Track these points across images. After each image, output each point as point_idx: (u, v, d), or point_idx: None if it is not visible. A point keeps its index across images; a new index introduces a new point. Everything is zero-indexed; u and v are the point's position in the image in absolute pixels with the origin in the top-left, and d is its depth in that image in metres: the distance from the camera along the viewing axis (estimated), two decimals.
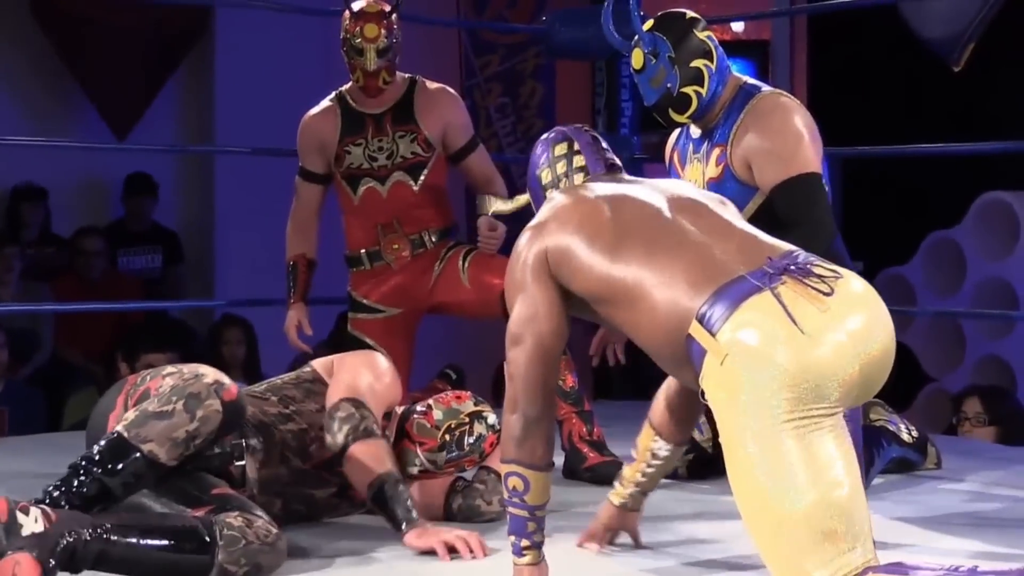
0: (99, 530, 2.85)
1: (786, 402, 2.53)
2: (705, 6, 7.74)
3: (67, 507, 2.94)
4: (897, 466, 4.20)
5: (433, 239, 4.41)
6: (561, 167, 3.13)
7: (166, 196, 7.65)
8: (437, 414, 3.59)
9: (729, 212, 2.92)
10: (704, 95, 3.67)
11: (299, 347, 4.57)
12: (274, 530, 3.05)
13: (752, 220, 3.15)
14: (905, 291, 7.33)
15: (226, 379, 3.18)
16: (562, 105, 8.40)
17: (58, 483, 3.00)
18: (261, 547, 2.98)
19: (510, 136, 8.47)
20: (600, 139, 3.18)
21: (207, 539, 2.93)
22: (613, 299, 2.79)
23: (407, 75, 4.46)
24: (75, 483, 2.99)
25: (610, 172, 3.11)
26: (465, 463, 3.60)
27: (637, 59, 3.72)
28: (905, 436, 4.21)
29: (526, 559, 2.89)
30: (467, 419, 3.59)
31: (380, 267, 4.43)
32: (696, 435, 4.06)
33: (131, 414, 3.10)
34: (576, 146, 3.14)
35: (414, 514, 3.27)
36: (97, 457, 3.02)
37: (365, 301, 4.44)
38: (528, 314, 2.86)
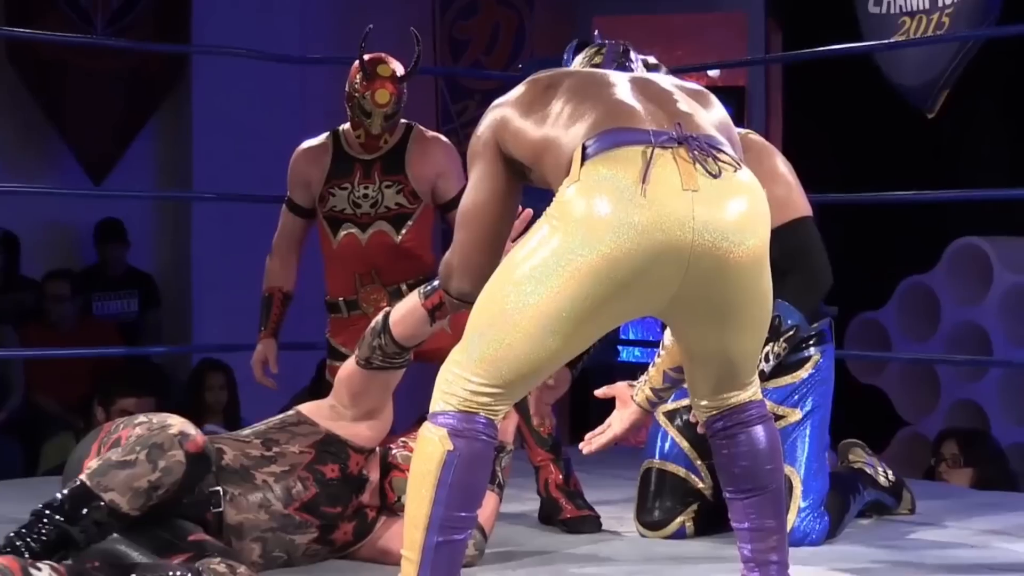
0: None
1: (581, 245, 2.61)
2: (681, 53, 7.82)
3: (27, 554, 2.93)
4: (871, 509, 4.21)
5: (410, 290, 4.37)
6: (582, 64, 3.20)
7: (143, 240, 7.65)
8: (415, 445, 3.64)
9: (686, 93, 2.90)
10: None
11: (264, 383, 4.56)
12: (256, 574, 3.06)
13: None
14: (879, 336, 7.36)
15: (192, 430, 3.18)
16: None
17: (21, 529, 2.99)
18: None
19: None
20: (631, 50, 3.23)
21: None
22: (535, 159, 2.83)
23: (403, 121, 4.47)
24: (36, 530, 2.98)
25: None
26: None
27: None
28: (882, 480, 4.23)
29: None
30: None
31: (357, 316, 4.43)
32: (699, 483, 3.97)
33: (94, 463, 3.11)
34: (604, 50, 3.22)
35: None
36: (58, 505, 3.02)
37: (343, 349, 4.44)
38: (481, 199, 2.92)
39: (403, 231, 4.42)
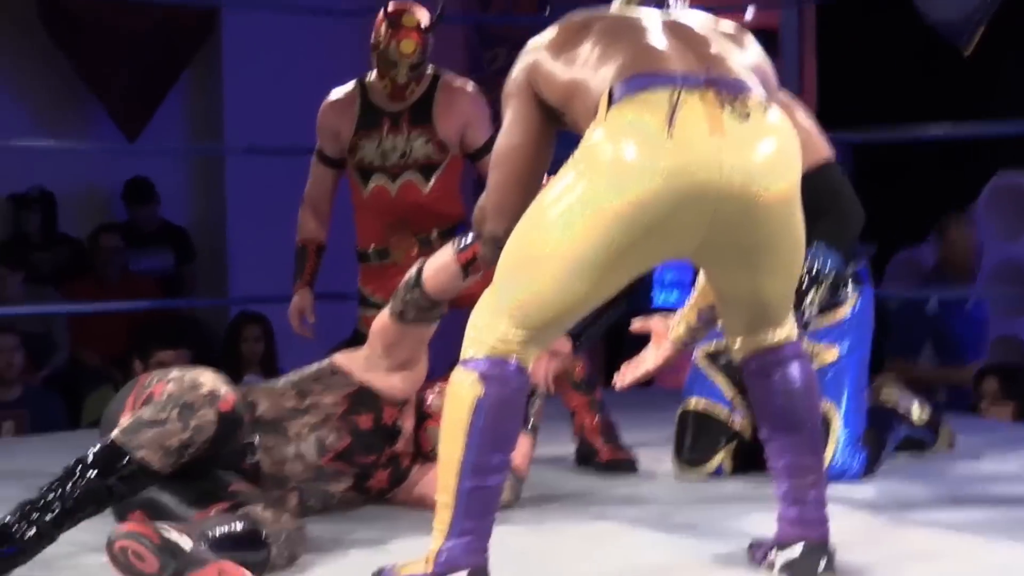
0: (202, 541, 2.85)
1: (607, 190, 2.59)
2: None
3: (58, 508, 2.93)
4: (908, 445, 4.19)
5: (440, 238, 4.39)
6: (618, 6, 3.15)
7: (177, 194, 7.67)
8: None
9: (721, 34, 2.85)
10: None
11: (302, 333, 4.58)
12: (297, 520, 3.08)
13: None
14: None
15: (223, 388, 3.17)
16: None
17: (53, 483, 2.99)
18: (296, 538, 3.02)
19: None
20: None
21: (264, 537, 2.94)
22: (565, 102, 2.78)
23: (430, 70, 4.45)
24: (68, 485, 2.98)
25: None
26: None
27: None
28: (916, 416, 4.20)
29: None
30: None
31: (387, 264, 4.44)
32: (737, 423, 4.00)
33: (126, 420, 3.11)
34: None
35: None
36: (91, 461, 3.02)
37: (373, 298, 4.45)
38: (515, 142, 2.88)
39: (432, 181, 4.41)
